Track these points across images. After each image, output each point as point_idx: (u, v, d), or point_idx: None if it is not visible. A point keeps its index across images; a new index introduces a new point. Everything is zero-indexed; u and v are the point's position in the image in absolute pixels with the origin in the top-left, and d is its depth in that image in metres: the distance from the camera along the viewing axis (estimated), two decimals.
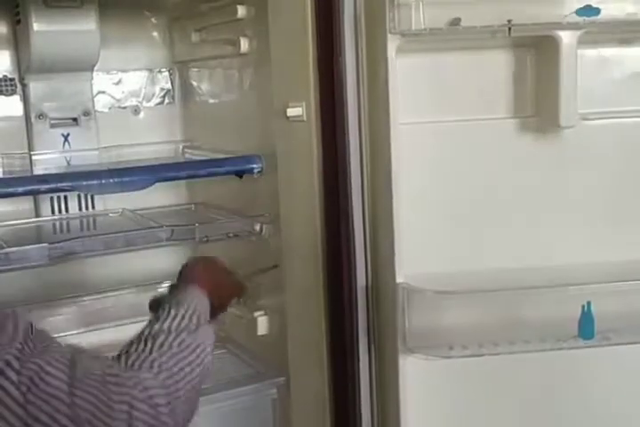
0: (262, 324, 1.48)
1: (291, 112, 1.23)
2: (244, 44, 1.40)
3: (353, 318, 1.18)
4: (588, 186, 1.18)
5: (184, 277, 1.05)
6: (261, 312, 1.49)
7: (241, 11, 1.38)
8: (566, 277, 1.11)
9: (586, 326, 1.09)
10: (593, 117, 1.14)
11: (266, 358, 1.50)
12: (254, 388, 1.42)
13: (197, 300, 0.94)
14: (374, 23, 1.09)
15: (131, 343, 0.82)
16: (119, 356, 0.80)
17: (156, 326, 0.85)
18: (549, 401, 1.21)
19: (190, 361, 0.82)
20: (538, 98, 1.16)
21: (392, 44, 1.06)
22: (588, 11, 1.06)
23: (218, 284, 1.04)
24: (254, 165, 1.41)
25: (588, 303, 1.08)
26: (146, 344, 0.82)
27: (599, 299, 1.09)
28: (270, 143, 1.35)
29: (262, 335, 1.49)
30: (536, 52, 1.16)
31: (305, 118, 1.22)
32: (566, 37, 1.09)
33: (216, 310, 1.01)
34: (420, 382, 1.15)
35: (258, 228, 1.43)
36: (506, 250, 1.16)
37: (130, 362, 0.78)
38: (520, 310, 1.10)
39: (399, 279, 1.11)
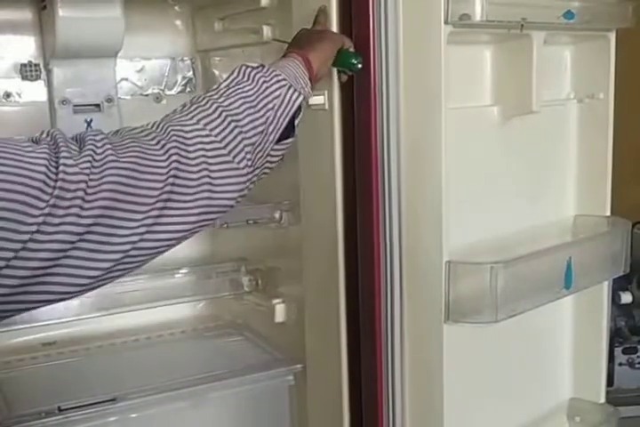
0: (280, 311, 1.49)
1: (312, 101, 1.23)
2: (267, 33, 1.40)
3: (386, 303, 1.19)
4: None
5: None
6: (279, 300, 1.50)
7: None
8: (545, 236, 1.29)
9: (568, 278, 1.25)
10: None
11: (283, 346, 1.51)
12: (271, 374, 1.43)
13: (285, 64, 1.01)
14: (420, 12, 1.10)
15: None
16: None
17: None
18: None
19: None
20: (508, 87, 1.26)
21: (445, 33, 1.08)
22: (570, 15, 1.19)
23: (313, 45, 1.07)
24: None
25: (570, 258, 1.25)
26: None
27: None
28: None
29: (280, 323, 1.50)
30: (503, 47, 1.26)
31: (327, 107, 1.22)
32: (540, 36, 1.20)
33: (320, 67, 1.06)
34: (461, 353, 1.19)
35: (277, 215, 1.43)
36: (487, 222, 1.26)
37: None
38: (542, 269, 1.23)
39: (446, 258, 1.14)
